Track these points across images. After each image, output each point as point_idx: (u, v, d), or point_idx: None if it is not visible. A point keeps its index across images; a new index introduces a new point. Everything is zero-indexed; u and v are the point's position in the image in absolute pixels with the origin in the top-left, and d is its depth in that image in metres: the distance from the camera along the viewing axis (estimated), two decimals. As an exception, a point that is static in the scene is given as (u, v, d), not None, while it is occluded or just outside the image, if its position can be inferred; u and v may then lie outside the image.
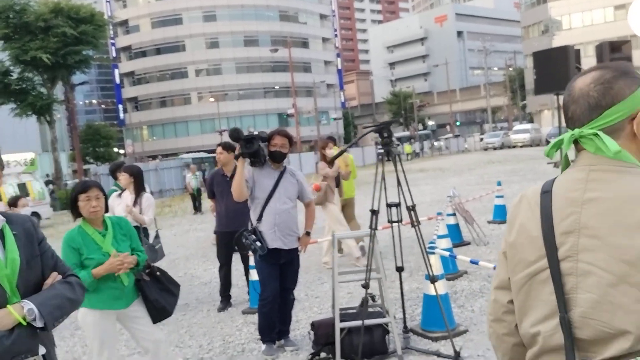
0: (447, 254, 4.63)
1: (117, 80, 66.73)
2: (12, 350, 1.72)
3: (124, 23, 66.46)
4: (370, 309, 4.43)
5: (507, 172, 20.78)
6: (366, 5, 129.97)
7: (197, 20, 64.37)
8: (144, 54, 66.19)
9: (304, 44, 69.40)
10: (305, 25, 70.18)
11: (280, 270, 4.53)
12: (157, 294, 3.57)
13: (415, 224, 4.14)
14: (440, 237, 6.20)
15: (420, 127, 68.89)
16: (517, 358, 1.42)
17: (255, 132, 4.33)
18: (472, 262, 4.22)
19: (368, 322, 4.15)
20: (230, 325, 5.58)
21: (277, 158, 4.47)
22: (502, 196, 9.99)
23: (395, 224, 4.31)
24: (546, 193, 1.34)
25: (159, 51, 65.18)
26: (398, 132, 64.70)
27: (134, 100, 67.73)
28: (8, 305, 1.74)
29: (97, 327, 3.43)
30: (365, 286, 4.15)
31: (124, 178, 5.85)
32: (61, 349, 5.48)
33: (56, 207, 23.68)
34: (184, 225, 15.16)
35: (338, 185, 7.72)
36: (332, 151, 7.55)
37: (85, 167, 35.19)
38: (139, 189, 5.80)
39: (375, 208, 4.16)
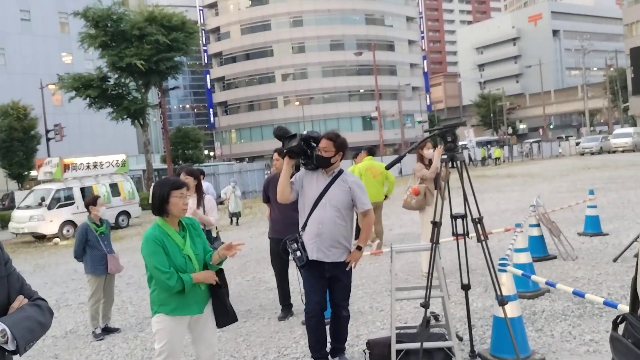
0: (519, 272, 4.13)
1: (208, 85, 69.37)
2: None
3: (216, 30, 69.02)
4: (432, 330, 4.04)
5: (604, 179, 19.25)
6: (455, 6, 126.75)
7: (285, 25, 65.54)
8: (233, 59, 68.30)
9: (390, 47, 68.68)
10: (391, 28, 69.45)
11: (329, 284, 4.23)
12: (227, 298, 3.45)
13: (482, 238, 3.71)
14: (517, 250, 5.66)
15: (510, 130, 66.03)
16: None
17: (304, 132, 4.07)
18: (548, 284, 3.72)
19: (428, 345, 3.77)
20: (288, 337, 5.36)
21: (320, 162, 4.15)
22: (594, 206, 9.11)
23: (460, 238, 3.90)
24: None
25: (248, 57, 67.01)
26: (486, 136, 62.47)
27: (224, 104, 70.05)
28: None
29: (169, 334, 3.33)
30: (425, 305, 3.77)
31: (187, 181, 5.84)
32: (122, 351, 5.51)
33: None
34: (262, 227, 15.22)
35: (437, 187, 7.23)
36: (430, 151, 7.14)
37: (175, 167, 36.61)
38: (200, 191, 5.80)
39: (437, 219, 3.78)
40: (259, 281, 8.17)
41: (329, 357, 4.36)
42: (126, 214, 20.05)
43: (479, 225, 3.73)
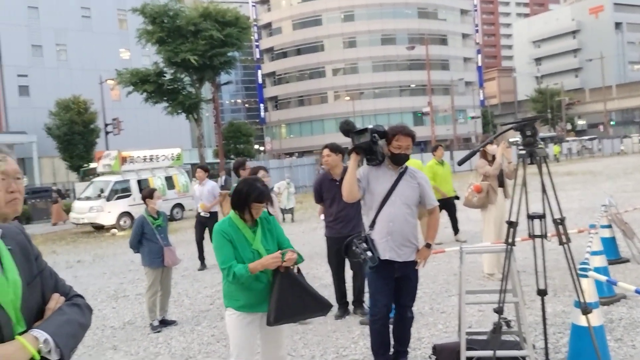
0: (604, 278, 3.82)
1: (260, 80, 70.00)
2: None
3: (268, 26, 69.54)
4: (504, 337, 3.78)
5: (674, 178, 18.18)
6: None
7: (336, 20, 65.32)
8: (284, 54, 68.65)
9: (443, 41, 67.37)
10: (445, 22, 68.09)
11: (395, 285, 4.02)
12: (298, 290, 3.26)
13: (565, 241, 3.42)
14: (594, 253, 5.29)
15: (569, 126, 63.64)
16: None
17: (370, 126, 3.84)
18: (638, 292, 3.39)
19: (501, 353, 3.52)
20: (346, 336, 5.19)
21: (401, 161, 3.95)
22: (670, 207, 8.52)
23: (537, 239, 3.62)
24: None
25: (298, 52, 67.20)
26: (543, 132, 60.44)
27: (274, 99, 70.53)
28: (18, 337, 1.43)
29: (238, 330, 3.25)
30: (498, 311, 3.52)
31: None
32: (180, 344, 5.48)
33: None
34: (313, 222, 15.13)
35: (502, 184, 6.89)
36: (493, 147, 6.84)
37: (227, 162, 37.13)
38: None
39: (514, 219, 3.51)
40: (313, 277, 8.02)
41: (392, 361, 4.17)
42: (180, 206, 20.37)
43: (560, 227, 3.44)
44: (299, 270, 3.27)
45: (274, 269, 3.16)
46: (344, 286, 5.89)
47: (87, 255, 12.89)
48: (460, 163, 3.52)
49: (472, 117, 58.57)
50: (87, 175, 33.23)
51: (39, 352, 1.44)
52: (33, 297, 1.56)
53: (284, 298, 3.12)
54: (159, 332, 5.92)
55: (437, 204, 4.09)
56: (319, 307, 3.28)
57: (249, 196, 3.17)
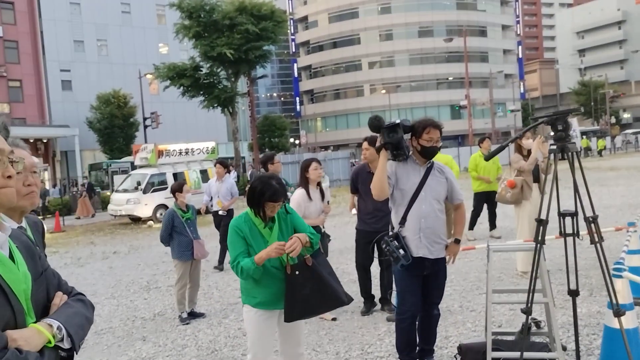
0: (638, 279, 3.64)
1: (295, 74, 70.11)
2: None
3: (304, 19, 69.52)
4: (533, 338, 3.66)
5: None
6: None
7: (373, 13, 64.80)
8: (320, 48, 68.54)
9: (482, 33, 66.06)
10: (484, 13, 66.69)
11: (423, 282, 3.95)
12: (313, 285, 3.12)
13: (597, 240, 3.27)
14: (630, 252, 5.07)
15: (613, 120, 61.62)
16: None
17: (397, 120, 3.74)
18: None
19: (528, 355, 3.40)
20: (372, 333, 5.13)
21: (432, 154, 3.87)
22: None
23: (569, 238, 3.48)
24: None
25: (334, 45, 66.98)
26: (586, 126, 58.73)
27: (310, 92, 70.57)
28: (33, 324, 1.45)
29: (255, 328, 3.22)
30: (527, 312, 3.40)
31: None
32: (206, 337, 5.52)
33: None
34: (345, 216, 15.06)
35: (537, 180, 6.69)
36: (529, 142, 6.66)
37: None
38: None
39: (543, 217, 3.38)
40: (342, 272, 7.98)
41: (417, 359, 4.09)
42: (214, 199, 20.58)
43: (593, 225, 3.30)
44: (312, 260, 3.11)
45: (286, 264, 3.08)
46: (370, 282, 5.82)
47: (124, 246, 13.16)
48: (488, 158, 3.40)
49: (512, 111, 57.24)
50: (93, 169, 34.06)
51: (54, 337, 1.45)
52: (40, 292, 1.57)
53: (295, 295, 3.04)
54: (187, 324, 5.99)
55: (463, 199, 4.01)
56: (336, 301, 3.14)
57: (262, 195, 3.09)
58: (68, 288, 1.68)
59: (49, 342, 1.44)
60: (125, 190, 19.33)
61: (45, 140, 38.94)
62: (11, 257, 1.47)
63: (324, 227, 5.82)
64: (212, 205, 9.38)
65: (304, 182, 5.59)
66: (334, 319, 5.61)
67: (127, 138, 38.67)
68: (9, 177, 1.49)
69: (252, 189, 3.18)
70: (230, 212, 8.97)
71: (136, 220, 18.84)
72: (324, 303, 3.09)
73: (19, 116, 39.75)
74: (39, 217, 2.66)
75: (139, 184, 18.92)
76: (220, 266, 8.87)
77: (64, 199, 26.41)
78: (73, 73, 43.71)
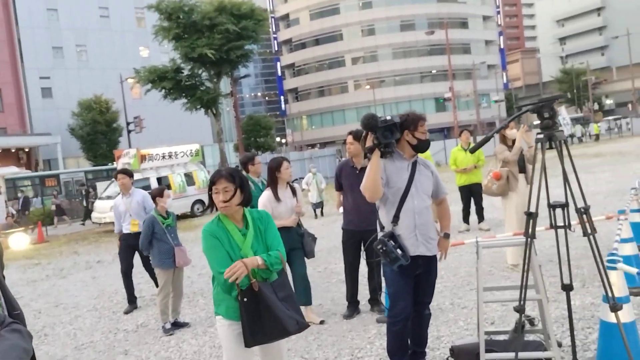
0: (634, 270, 3.50)
1: (279, 73, 69.79)
2: None
3: (285, 17, 69.19)
4: (527, 337, 3.51)
5: None
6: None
7: (354, 8, 64.65)
8: (303, 45, 68.26)
9: (463, 25, 66.18)
10: (465, 5, 66.82)
11: (415, 281, 3.79)
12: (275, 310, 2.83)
13: (590, 232, 3.13)
14: (623, 241, 4.96)
15: (596, 107, 62.08)
16: None
17: (395, 119, 3.52)
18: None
19: (523, 355, 3.25)
20: (362, 336, 4.96)
21: (426, 147, 3.75)
22: None
23: (561, 230, 3.34)
24: None
25: (317, 42, 66.75)
26: (570, 114, 59.07)
27: (294, 91, 70.30)
28: None
29: (231, 343, 2.94)
30: (519, 310, 3.24)
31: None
32: (191, 347, 5.33)
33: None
34: (333, 215, 14.91)
35: (523, 170, 6.55)
36: (513, 132, 6.54)
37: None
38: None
39: (533, 210, 3.23)
40: (331, 272, 7.83)
41: (408, 362, 3.92)
42: (201, 202, 20.34)
43: (584, 216, 3.15)
44: (257, 285, 2.79)
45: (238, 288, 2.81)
46: (357, 284, 5.63)
47: (108, 255, 12.89)
48: (473, 151, 3.25)
49: (496, 101, 57.43)
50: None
51: None
52: None
53: (248, 321, 2.79)
54: (171, 334, 5.78)
55: (448, 193, 3.89)
56: (282, 331, 2.81)
57: (210, 185, 2.94)
58: (0, 317, 1.50)
59: None
60: (108, 197, 19.00)
61: (27, 150, 38.39)
62: None
63: (302, 227, 5.62)
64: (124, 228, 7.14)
65: (272, 183, 5.40)
66: (322, 322, 5.44)
67: (111, 144, 38.20)
68: None
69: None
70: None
71: (121, 227, 18.51)
72: (272, 331, 2.80)
73: (-1, 126, 39.20)
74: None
75: (122, 190, 18.59)
76: (131, 307, 7.10)
77: (45, 208, 25.95)
78: (53, 80, 43.12)
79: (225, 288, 2.88)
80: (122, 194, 7.18)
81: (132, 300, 7.17)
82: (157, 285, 6.49)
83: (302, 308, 5.42)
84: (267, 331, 2.80)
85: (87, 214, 23.08)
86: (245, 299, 2.78)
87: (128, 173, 7.25)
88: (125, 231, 7.08)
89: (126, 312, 6.98)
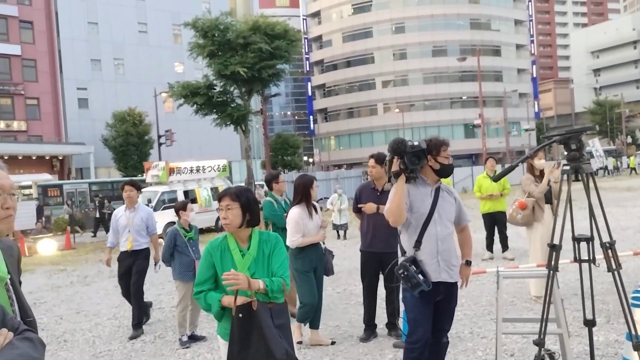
0: (660, 309, 3.43)
1: (309, 93, 70.44)
2: None
3: (318, 38, 70.02)
4: (546, 371, 3.43)
5: None
6: (569, 8, 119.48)
7: (387, 32, 65.08)
8: (334, 67, 68.87)
9: (496, 52, 65.98)
10: (498, 33, 66.68)
11: (434, 308, 3.75)
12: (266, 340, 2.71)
13: (614, 267, 3.06)
14: (651, 279, 4.83)
15: (629, 140, 60.90)
16: None
17: (422, 145, 3.53)
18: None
19: (541, 390, 3.18)
20: (377, 360, 4.91)
21: (450, 172, 3.75)
22: None
23: (585, 264, 3.27)
24: None
25: (348, 64, 67.28)
26: (602, 146, 58.05)
27: (324, 111, 70.77)
28: None
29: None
30: (539, 344, 3.18)
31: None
32: (206, 361, 5.33)
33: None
34: (356, 237, 14.83)
35: (549, 202, 6.41)
36: (541, 162, 6.47)
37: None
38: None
39: (557, 242, 3.18)
40: (350, 294, 7.79)
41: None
42: (225, 217, 20.46)
43: (609, 251, 3.09)
44: (257, 305, 2.72)
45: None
46: (375, 307, 5.58)
47: (132, 264, 13.01)
48: (496, 179, 3.22)
49: (526, 130, 56.84)
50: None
51: None
52: None
53: (240, 337, 2.72)
54: (187, 347, 5.80)
55: (471, 220, 3.86)
56: (272, 356, 2.66)
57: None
58: (15, 324, 1.52)
59: None
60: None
61: (60, 158, 39.30)
62: None
63: (324, 244, 5.63)
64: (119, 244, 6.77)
65: (307, 199, 5.38)
66: (333, 343, 5.40)
67: (142, 156, 38.86)
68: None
69: None
70: (145, 251, 6.72)
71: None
72: (255, 355, 2.69)
73: (36, 134, 40.26)
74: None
75: (149, 201, 18.88)
76: (136, 332, 6.49)
77: (76, 215, 26.44)
78: (90, 91, 44.22)
79: (217, 314, 2.86)
80: (126, 207, 6.70)
81: (137, 324, 6.56)
82: (136, 316, 6.54)
83: (311, 331, 5.42)
84: (251, 352, 2.70)
85: (98, 224, 23.40)
86: (240, 315, 2.72)
87: (136, 185, 6.81)
88: (122, 249, 6.63)
89: (131, 338, 6.34)
